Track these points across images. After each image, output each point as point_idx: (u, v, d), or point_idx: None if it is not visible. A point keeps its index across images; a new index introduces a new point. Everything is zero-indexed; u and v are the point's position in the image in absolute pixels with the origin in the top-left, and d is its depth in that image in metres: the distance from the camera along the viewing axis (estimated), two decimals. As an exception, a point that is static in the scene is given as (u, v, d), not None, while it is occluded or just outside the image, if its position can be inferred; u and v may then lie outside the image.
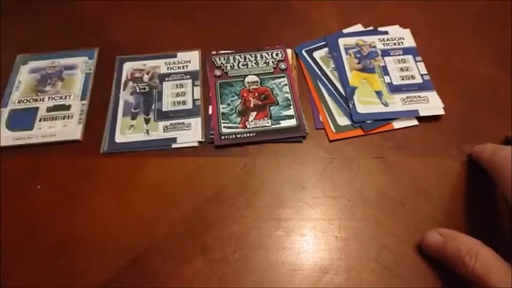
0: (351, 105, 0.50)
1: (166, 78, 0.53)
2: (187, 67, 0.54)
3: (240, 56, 0.55)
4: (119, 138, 0.48)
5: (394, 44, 0.55)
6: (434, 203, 0.43)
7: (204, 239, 0.41)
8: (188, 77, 0.53)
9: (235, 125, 0.49)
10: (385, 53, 0.54)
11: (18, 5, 0.61)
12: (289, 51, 0.55)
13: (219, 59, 0.54)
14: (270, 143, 0.48)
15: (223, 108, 0.50)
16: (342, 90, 0.51)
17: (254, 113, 0.49)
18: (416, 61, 0.53)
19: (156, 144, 0.48)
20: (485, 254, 0.30)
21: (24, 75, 0.54)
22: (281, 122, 0.49)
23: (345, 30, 0.57)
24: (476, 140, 0.46)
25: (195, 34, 0.58)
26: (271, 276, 0.40)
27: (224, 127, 0.48)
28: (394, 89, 0.51)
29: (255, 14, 0.60)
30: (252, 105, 0.50)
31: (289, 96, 0.51)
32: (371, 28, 0.57)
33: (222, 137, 0.48)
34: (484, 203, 0.42)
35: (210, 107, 0.50)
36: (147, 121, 0.50)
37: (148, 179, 0.45)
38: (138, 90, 0.52)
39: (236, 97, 0.51)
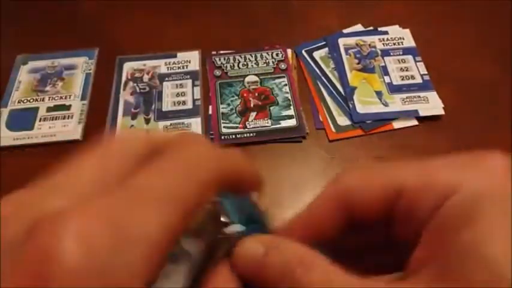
0: (350, 105, 0.50)
1: (166, 78, 0.53)
2: (187, 67, 0.54)
3: (240, 56, 0.55)
4: (119, 138, 0.48)
5: (394, 44, 0.55)
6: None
7: (204, 239, 0.41)
8: (188, 77, 0.53)
9: (235, 125, 0.49)
10: (385, 53, 0.54)
11: (19, 5, 0.61)
12: (289, 51, 0.55)
13: (219, 59, 0.54)
14: (270, 143, 0.48)
15: (223, 108, 0.50)
16: (341, 90, 0.51)
17: (254, 113, 0.49)
18: (416, 61, 0.53)
19: (156, 144, 0.48)
20: (322, 263, 0.20)
21: (24, 75, 0.54)
22: (281, 122, 0.49)
23: (345, 30, 0.57)
24: (476, 140, 0.46)
25: (195, 34, 0.58)
26: (271, 276, 0.39)
27: (224, 127, 0.48)
28: (394, 89, 0.51)
29: (255, 14, 0.60)
30: (252, 105, 0.50)
31: (289, 96, 0.51)
32: (371, 28, 0.57)
33: (222, 137, 0.48)
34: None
35: (210, 107, 0.50)
36: (147, 121, 0.50)
37: (148, 179, 0.45)
38: (138, 90, 0.52)
39: (236, 97, 0.51)
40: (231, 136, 0.48)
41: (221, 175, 0.17)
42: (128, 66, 0.54)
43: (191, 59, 0.55)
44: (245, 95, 0.51)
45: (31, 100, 0.52)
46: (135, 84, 0.53)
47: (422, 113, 0.49)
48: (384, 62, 0.54)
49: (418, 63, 0.53)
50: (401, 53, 0.54)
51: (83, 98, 0.52)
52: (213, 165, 0.17)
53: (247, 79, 0.52)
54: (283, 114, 0.49)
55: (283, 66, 0.53)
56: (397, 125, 0.49)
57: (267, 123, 0.49)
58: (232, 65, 0.54)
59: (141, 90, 0.52)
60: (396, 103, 0.50)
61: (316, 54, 0.55)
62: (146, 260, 0.14)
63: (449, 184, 0.17)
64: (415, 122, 0.49)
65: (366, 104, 0.50)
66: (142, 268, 0.13)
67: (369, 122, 0.49)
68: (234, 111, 0.50)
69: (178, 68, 0.54)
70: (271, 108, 0.50)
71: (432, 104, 0.50)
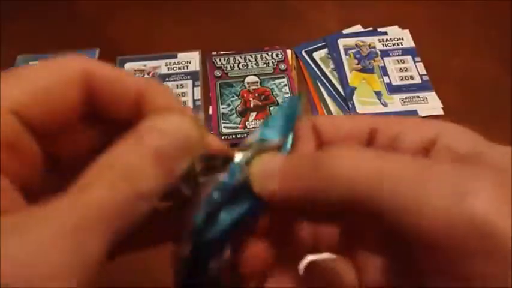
0: (350, 105, 0.50)
1: (167, 79, 0.53)
2: (187, 67, 0.54)
3: (240, 56, 0.55)
4: (120, 138, 0.48)
5: (394, 44, 0.55)
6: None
7: (204, 239, 0.42)
8: (188, 77, 0.54)
9: (235, 125, 0.49)
10: (385, 53, 0.55)
11: (19, 5, 0.62)
12: (288, 51, 0.55)
13: (219, 60, 0.55)
14: (270, 143, 0.48)
15: (223, 108, 0.50)
16: (341, 90, 0.52)
17: (254, 113, 0.50)
18: (415, 61, 0.54)
19: (156, 145, 0.48)
20: None
21: (26, 75, 0.54)
22: (281, 122, 0.49)
23: (345, 31, 0.57)
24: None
25: (195, 35, 0.58)
26: (270, 275, 0.40)
27: (224, 127, 0.49)
28: (393, 89, 0.51)
29: (255, 15, 0.60)
30: (252, 105, 0.50)
31: (288, 96, 0.51)
32: (370, 29, 0.57)
33: (222, 137, 0.48)
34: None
35: (211, 107, 0.51)
36: (147, 121, 0.50)
37: (149, 179, 0.45)
38: (138, 91, 0.52)
39: (236, 97, 0.51)
40: (231, 136, 0.48)
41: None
42: (129, 67, 0.55)
43: (191, 59, 0.55)
44: (245, 95, 0.51)
45: (32, 100, 0.52)
46: (135, 85, 0.53)
47: (421, 113, 0.49)
48: (383, 62, 0.54)
49: (417, 64, 0.53)
50: (400, 53, 0.55)
51: (83, 99, 0.52)
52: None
53: (247, 79, 0.53)
54: (283, 114, 0.49)
55: (283, 66, 0.54)
56: (396, 125, 0.49)
57: (267, 123, 0.49)
58: (232, 65, 0.54)
59: (142, 91, 0.52)
60: (395, 103, 0.50)
61: (316, 55, 0.55)
62: None
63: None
64: (414, 122, 0.49)
65: (365, 104, 0.50)
66: None
67: (368, 122, 0.49)
68: (234, 111, 0.50)
69: (179, 68, 0.54)
70: (271, 108, 0.50)
71: (431, 104, 0.50)
